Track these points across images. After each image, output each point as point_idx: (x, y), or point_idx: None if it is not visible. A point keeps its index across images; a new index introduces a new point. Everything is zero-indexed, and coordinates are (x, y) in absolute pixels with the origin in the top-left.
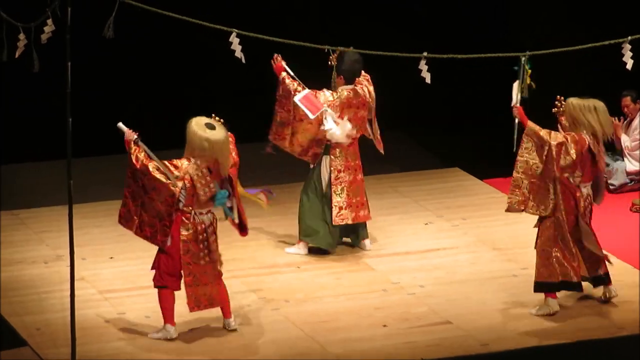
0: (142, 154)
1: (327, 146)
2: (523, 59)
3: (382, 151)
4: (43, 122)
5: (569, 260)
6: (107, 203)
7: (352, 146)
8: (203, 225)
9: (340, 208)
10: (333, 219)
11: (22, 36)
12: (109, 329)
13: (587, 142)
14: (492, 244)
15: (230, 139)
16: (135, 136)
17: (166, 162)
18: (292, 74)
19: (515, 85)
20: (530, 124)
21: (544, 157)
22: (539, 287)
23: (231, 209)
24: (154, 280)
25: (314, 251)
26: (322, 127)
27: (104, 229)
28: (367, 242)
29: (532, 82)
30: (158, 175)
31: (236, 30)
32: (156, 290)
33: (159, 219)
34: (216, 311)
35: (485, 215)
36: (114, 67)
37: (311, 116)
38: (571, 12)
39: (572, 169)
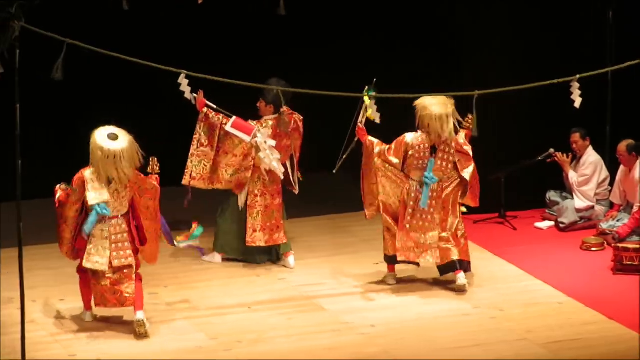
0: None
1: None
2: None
3: (295, 191)
4: None
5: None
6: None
7: (271, 172)
8: (102, 232)
9: (254, 230)
10: (246, 239)
11: None
12: None
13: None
14: (444, 284)
15: (135, 155)
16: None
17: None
18: (214, 107)
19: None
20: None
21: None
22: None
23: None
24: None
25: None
26: (257, 141)
27: (55, 271)
28: (291, 258)
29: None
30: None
31: (185, 72)
32: (107, 333)
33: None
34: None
35: None
36: (62, 109)
37: (248, 139)
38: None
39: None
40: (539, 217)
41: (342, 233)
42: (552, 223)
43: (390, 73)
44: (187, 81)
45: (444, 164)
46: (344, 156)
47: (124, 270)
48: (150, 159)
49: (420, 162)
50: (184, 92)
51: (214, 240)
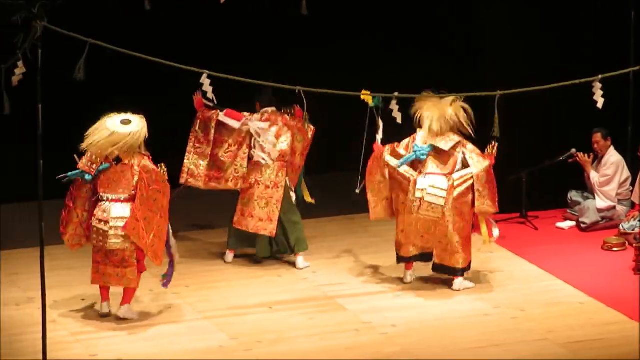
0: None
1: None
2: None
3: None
4: (14, 164)
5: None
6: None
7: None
8: (103, 214)
9: (242, 214)
10: (233, 219)
11: None
12: None
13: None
14: None
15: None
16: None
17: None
18: (212, 105)
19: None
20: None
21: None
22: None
23: None
24: None
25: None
26: (251, 128)
27: (76, 271)
28: (299, 259)
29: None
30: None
31: (207, 72)
32: (128, 332)
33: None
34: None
35: None
36: (84, 109)
37: (237, 125)
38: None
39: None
40: (560, 217)
41: (362, 233)
42: (573, 223)
43: (390, 73)
44: (209, 81)
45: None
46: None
47: (125, 254)
48: (158, 166)
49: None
50: (206, 92)
51: (227, 239)
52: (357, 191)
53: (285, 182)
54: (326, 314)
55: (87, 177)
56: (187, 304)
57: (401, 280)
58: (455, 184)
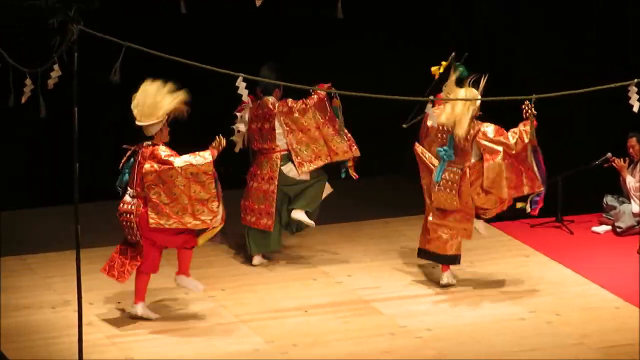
0: None
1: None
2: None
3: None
4: (50, 167)
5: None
6: (114, 248)
7: (265, 156)
8: (124, 205)
9: (244, 210)
10: (241, 218)
11: (28, 81)
12: None
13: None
14: (499, 287)
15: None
16: None
17: None
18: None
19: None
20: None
21: None
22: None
23: None
24: None
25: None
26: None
27: None
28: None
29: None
30: None
31: (242, 75)
32: (164, 335)
33: None
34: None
35: (492, 258)
36: (120, 111)
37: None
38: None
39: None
40: (595, 222)
41: (397, 237)
42: (609, 227)
43: (392, 73)
44: (244, 84)
45: (461, 141)
46: (417, 118)
47: (134, 249)
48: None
49: (440, 135)
50: (241, 95)
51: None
52: (405, 126)
53: (280, 170)
54: (362, 317)
55: (124, 178)
56: (223, 306)
57: (437, 283)
58: (471, 179)
